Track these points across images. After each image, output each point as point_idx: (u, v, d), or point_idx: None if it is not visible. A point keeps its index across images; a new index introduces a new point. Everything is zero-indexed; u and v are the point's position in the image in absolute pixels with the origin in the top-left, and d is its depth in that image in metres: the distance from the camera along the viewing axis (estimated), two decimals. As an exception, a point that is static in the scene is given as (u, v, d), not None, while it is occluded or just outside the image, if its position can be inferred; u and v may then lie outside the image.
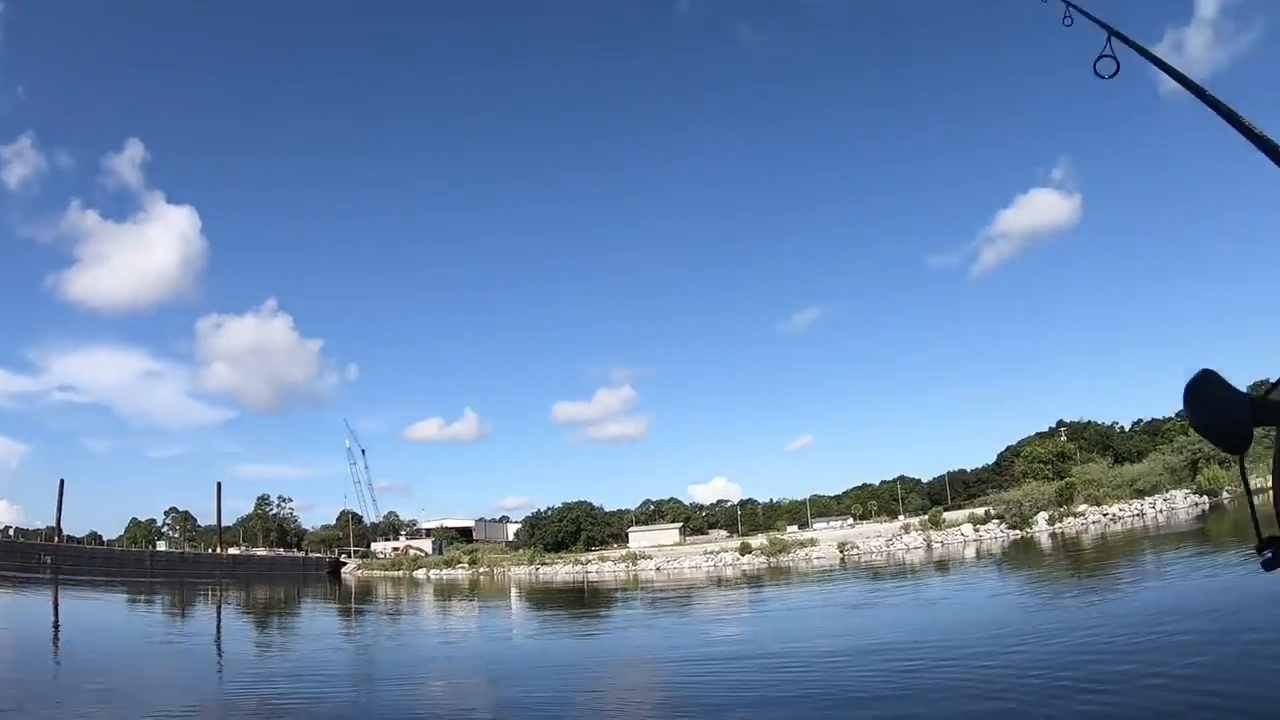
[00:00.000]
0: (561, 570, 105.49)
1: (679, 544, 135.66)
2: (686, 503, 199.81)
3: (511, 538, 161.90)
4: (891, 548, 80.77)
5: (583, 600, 64.89)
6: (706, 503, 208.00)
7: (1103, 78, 4.31)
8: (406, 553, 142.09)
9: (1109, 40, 4.24)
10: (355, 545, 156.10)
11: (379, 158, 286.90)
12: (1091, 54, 4.26)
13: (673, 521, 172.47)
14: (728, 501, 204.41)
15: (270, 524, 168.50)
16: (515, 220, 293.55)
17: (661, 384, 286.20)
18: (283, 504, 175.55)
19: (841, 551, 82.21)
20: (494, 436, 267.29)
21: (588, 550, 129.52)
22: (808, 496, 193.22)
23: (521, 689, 22.93)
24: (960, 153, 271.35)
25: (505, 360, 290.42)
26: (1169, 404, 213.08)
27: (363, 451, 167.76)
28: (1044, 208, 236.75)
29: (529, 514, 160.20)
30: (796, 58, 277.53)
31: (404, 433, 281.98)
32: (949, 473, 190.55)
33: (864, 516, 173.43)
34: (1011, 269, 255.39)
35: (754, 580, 67.18)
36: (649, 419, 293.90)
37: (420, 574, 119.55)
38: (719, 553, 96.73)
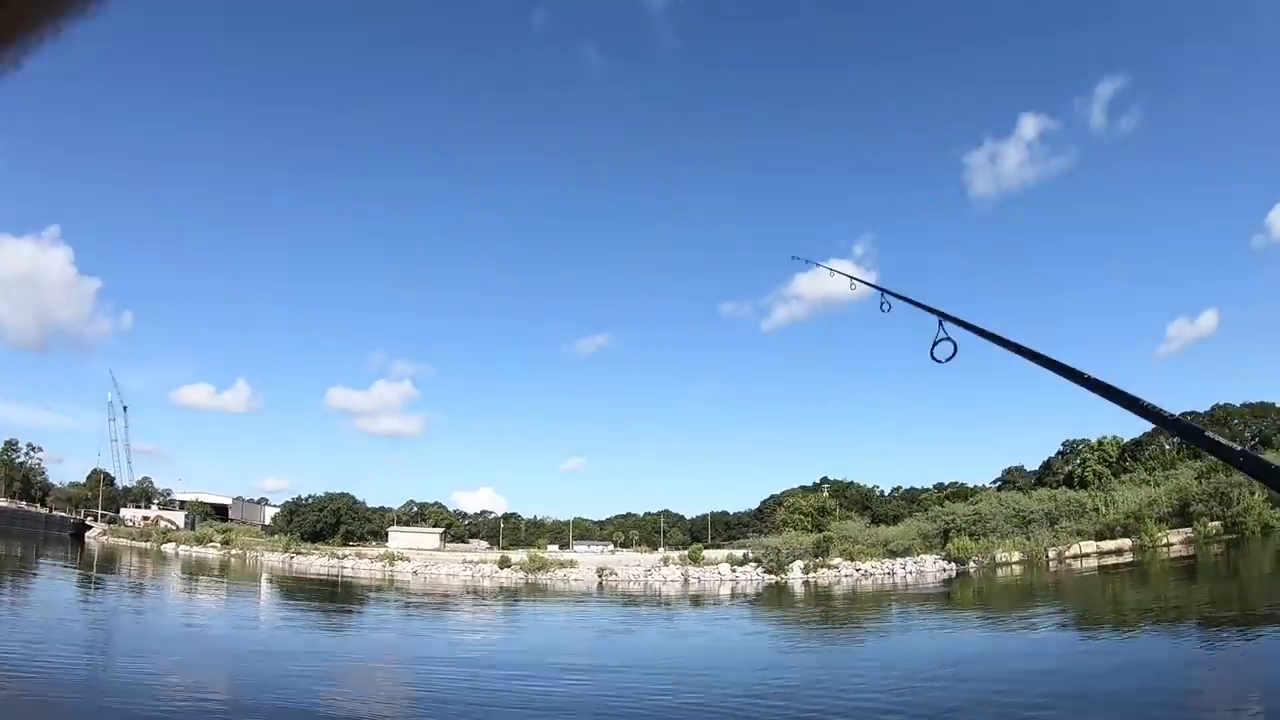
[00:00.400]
0: (317, 562, 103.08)
1: (439, 549, 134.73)
2: (451, 509, 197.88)
3: (269, 521, 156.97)
4: (650, 578, 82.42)
5: (335, 595, 64.10)
6: (471, 511, 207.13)
7: (940, 361, 4.28)
8: (157, 523, 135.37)
9: (941, 324, 4.26)
10: (103, 509, 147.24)
11: (195, 105, 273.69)
12: (926, 337, 4.30)
13: (435, 526, 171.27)
14: (492, 513, 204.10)
15: (15, 473, 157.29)
16: (320, 200, 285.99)
17: (442, 385, 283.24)
18: (32, 453, 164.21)
19: (600, 576, 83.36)
20: (264, 413, 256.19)
21: (345, 544, 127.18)
22: (572, 518, 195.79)
23: (262, 678, 22.92)
24: (769, 212, 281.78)
25: (287, 334, 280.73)
26: (926, 476, 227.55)
27: (124, 408, 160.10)
28: (841, 277, 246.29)
29: (289, 499, 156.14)
30: (637, 91, 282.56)
31: (171, 395, 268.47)
32: (712, 512, 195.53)
33: (625, 544, 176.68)
34: (802, 328, 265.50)
35: (510, 594, 67.71)
36: (424, 418, 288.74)
37: (169, 548, 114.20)
38: (478, 563, 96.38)
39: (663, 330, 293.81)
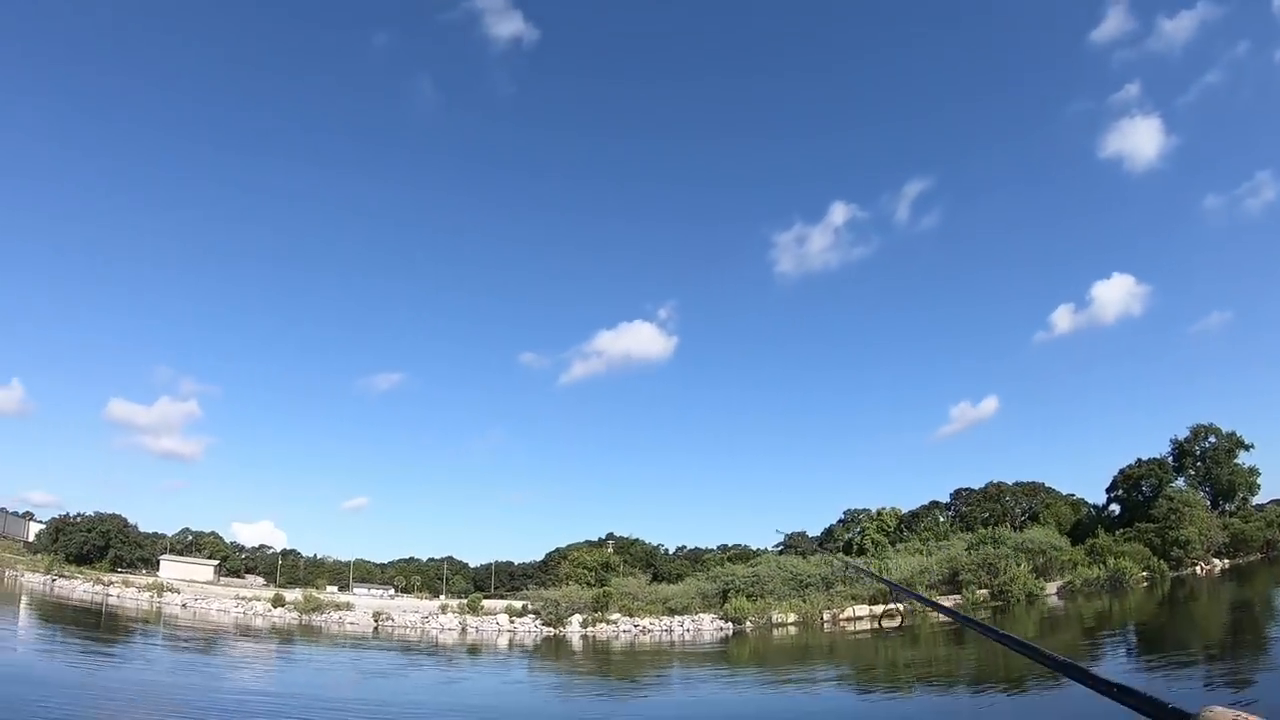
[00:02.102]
0: (81, 587, 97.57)
1: (212, 582, 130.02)
2: (228, 540, 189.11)
3: (32, 539, 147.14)
4: (427, 625, 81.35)
5: (99, 625, 60.91)
6: (249, 544, 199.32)
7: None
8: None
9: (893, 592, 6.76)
10: None
11: None
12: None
13: (210, 557, 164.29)
14: (271, 548, 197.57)
15: None
16: (113, 197, 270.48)
17: (228, 408, 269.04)
18: None
19: (376, 621, 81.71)
20: (37, 418, 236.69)
21: (114, 570, 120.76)
22: (353, 559, 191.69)
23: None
24: (576, 270, 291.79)
25: (67, 335, 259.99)
26: (713, 537, 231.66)
27: None
28: (642, 338, 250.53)
29: (57, 515, 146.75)
30: (473, 129, 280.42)
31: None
32: (497, 562, 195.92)
33: (407, 589, 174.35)
34: (598, 383, 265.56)
35: (282, 635, 65.61)
36: (207, 442, 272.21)
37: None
38: (251, 600, 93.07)
39: (460, 373, 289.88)
